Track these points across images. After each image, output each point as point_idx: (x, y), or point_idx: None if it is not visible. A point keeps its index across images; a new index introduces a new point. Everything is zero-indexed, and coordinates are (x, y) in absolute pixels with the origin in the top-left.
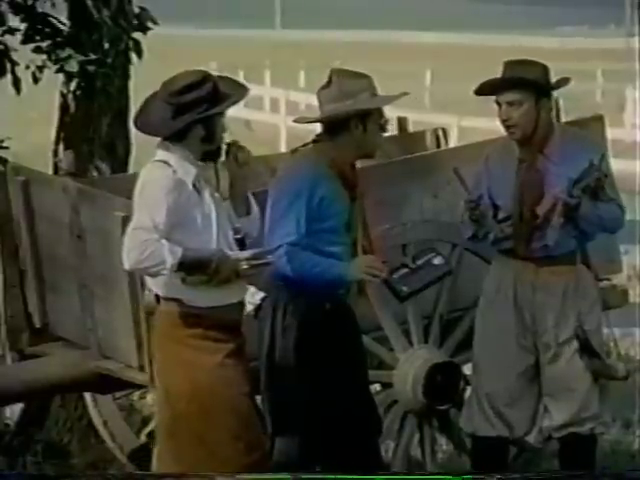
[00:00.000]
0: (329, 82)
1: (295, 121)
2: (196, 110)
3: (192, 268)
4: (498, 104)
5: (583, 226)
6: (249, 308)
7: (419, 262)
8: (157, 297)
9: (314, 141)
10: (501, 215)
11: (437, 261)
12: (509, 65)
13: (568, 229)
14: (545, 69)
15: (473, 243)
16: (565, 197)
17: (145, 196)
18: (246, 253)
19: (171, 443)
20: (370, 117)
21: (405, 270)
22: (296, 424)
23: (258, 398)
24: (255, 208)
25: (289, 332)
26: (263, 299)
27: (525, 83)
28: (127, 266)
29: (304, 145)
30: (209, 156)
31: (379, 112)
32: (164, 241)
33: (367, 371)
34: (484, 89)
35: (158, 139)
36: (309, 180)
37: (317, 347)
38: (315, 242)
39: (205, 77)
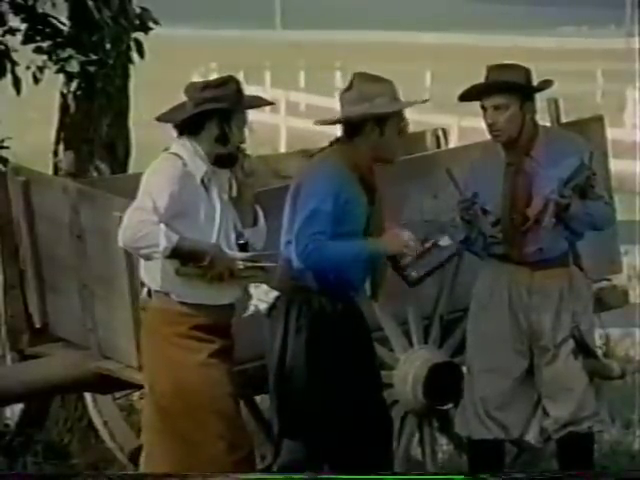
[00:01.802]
0: (350, 85)
1: (315, 123)
2: (213, 104)
3: (186, 257)
4: (483, 108)
5: (574, 225)
6: (262, 306)
7: (426, 245)
8: (149, 292)
9: (331, 144)
10: (490, 219)
11: (443, 242)
12: (493, 69)
13: (559, 230)
14: (528, 72)
15: (466, 246)
16: (556, 197)
17: (151, 181)
18: (244, 254)
19: (156, 439)
20: (388, 121)
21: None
22: (307, 424)
23: (258, 398)
24: (262, 221)
25: (303, 332)
26: (277, 298)
27: (511, 86)
28: (121, 243)
29: (321, 150)
30: (221, 160)
31: (399, 116)
32: (162, 225)
33: (379, 372)
34: (469, 94)
35: (160, 140)
36: (335, 182)
37: (330, 347)
38: None
39: (230, 79)
